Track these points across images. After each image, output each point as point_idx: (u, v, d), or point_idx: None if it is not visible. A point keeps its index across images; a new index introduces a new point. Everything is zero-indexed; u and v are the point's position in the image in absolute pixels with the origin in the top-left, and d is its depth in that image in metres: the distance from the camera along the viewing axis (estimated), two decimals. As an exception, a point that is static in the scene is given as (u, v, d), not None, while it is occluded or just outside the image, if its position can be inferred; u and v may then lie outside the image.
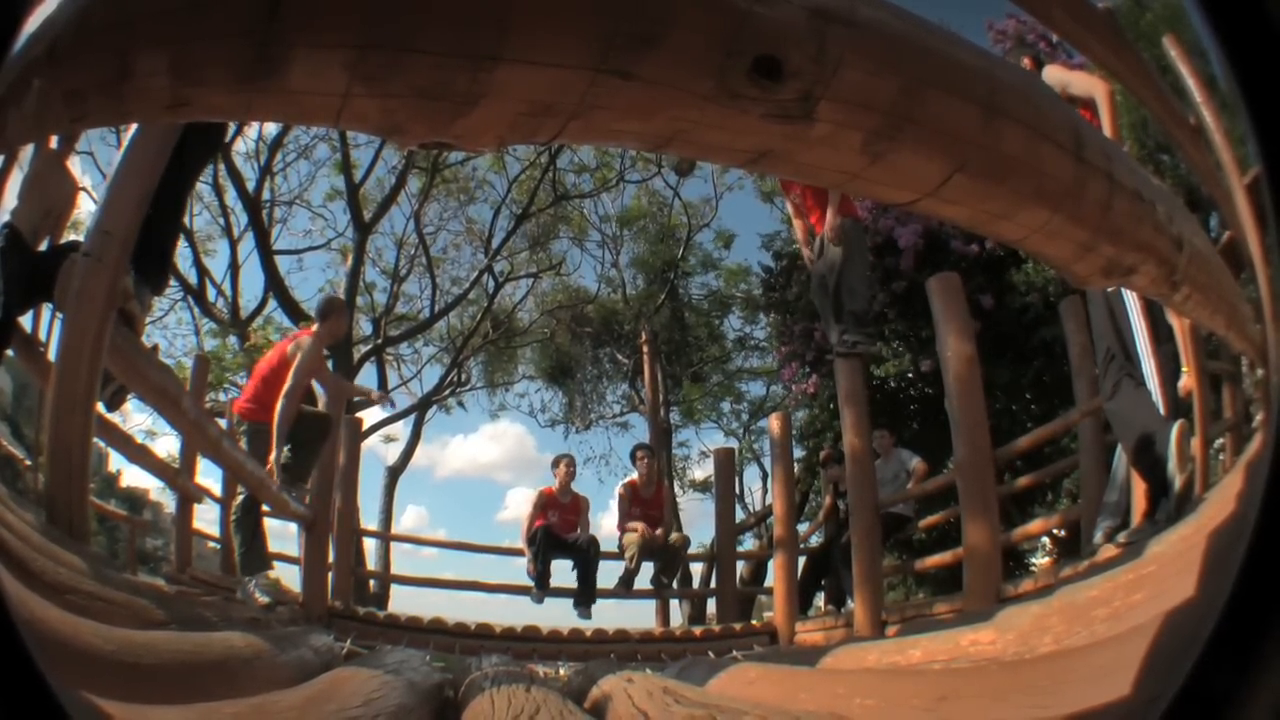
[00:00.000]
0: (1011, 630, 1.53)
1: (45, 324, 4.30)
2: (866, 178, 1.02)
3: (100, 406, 5.70)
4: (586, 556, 8.50)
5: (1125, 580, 1.30)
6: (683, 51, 0.88)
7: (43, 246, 4.36)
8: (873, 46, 0.96)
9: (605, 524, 23.74)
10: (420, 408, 22.04)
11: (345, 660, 3.05)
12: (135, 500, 21.52)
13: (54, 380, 3.14)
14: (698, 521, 26.93)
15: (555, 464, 9.20)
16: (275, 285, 18.67)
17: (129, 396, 5.19)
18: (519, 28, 0.82)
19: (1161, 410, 3.94)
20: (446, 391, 22.78)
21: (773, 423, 8.27)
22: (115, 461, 22.33)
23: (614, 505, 9.23)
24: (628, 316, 22.12)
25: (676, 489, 21.02)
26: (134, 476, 28.63)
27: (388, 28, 0.80)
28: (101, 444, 5.38)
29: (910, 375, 11.07)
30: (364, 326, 21.18)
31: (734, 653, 5.34)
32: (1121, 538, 4.07)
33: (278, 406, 6.25)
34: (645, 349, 21.00)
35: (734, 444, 21.09)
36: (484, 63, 0.82)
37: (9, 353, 3.76)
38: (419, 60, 0.81)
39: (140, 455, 6.43)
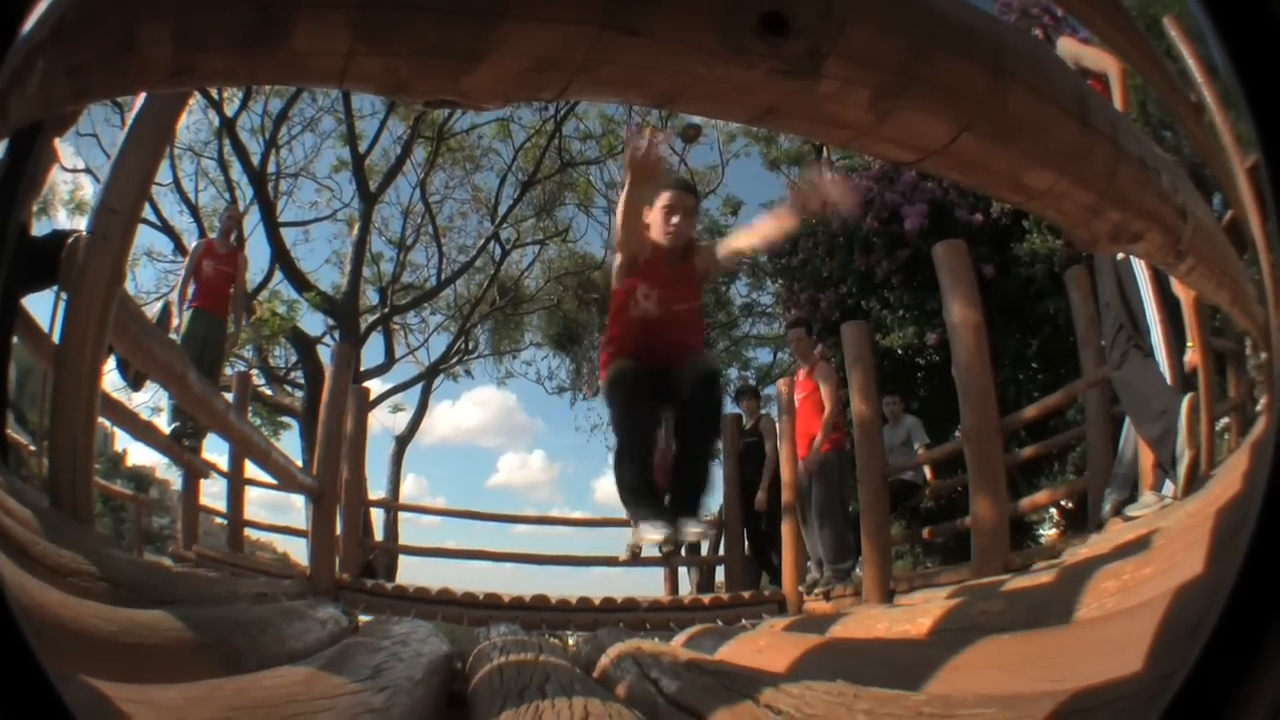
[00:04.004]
0: (1021, 601, 1.52)
1: (48, 307, 4.29)
2: (874, 135, 1.00)
3: (126, 386, 5.68)
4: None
5: (1135, 555, 1.29)
6: (688, 6, 0.86)
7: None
8: (879, 4, 0.94)
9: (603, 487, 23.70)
10: (428, 376, 22.09)
11: (353, 632, 3.05)
12: (141, 479, 21.63)
13: (57, 361, 3.12)
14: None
15: None
16: (281, 257, 18.70)
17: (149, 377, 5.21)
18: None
19: (1168, 382, 3.92)
20: (454, 359, 22.83)
21: (780, 388, 8.23)
22: (121, 441, 22.45)
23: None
24: (634, 281, 22.01)
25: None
26: (140, 455, 28.77)
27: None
28: (107, 423, 5.37)
29: (916, 346, 11.06)
30: (371, 296, 21.25)
31: (742, 621, 5.36)
32: (1129, 511, 4.06)
33: None
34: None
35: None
36: (487, 19, 0.80)
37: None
38: (422, 18, 0.79)
39: (146, 433, 6.42)
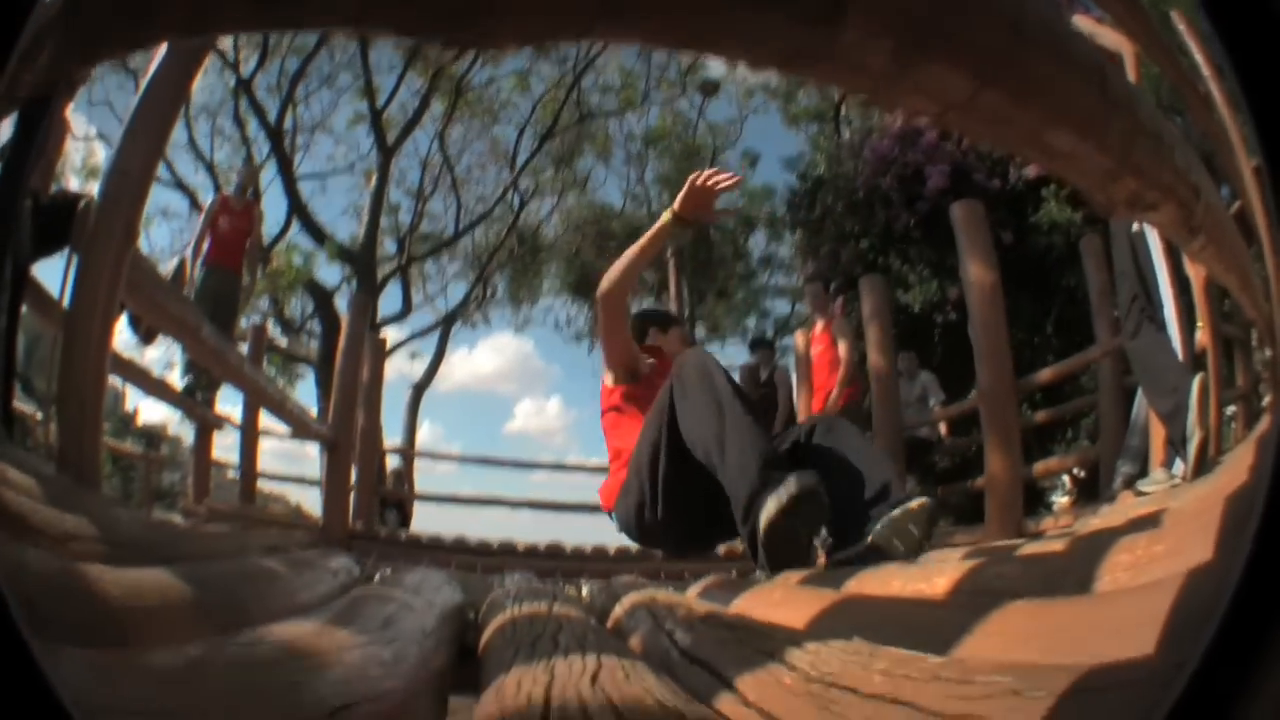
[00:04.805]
0: (1037, 568, 1.52)
1: (57, 271, 4.24)
2: (897, 85, 0.97)
3: (138, 343, 5.67)
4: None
5: (1146, 531, 1.29)
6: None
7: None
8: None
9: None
10: (445, 323, 22.23)
11: (365, 582, 3.06)
12: (152, 436, 21.82)
13: (67, 324, 3.10)
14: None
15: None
16: (298, 210, 18.80)
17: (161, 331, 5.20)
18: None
19: (1180, 358, 3.93)
20: (472, 307, 22.99)
21: (798, 340, 8.22)
22: (132, 400, 22.65)
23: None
24: (652, 230, 22.07)
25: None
26: (151, 413, 28.97)
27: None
28: (119, 383, 5.37)
29: (936, 302, 11.06)
30: (388, 245, 21.38)
31: (757, 573, 5.38)
32: (1140, 486, 4.08)
33: None
34: (671, 264, 21.05)
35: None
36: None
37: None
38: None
39: (158, 389, 6.41)
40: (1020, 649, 0.97)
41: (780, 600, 1.90)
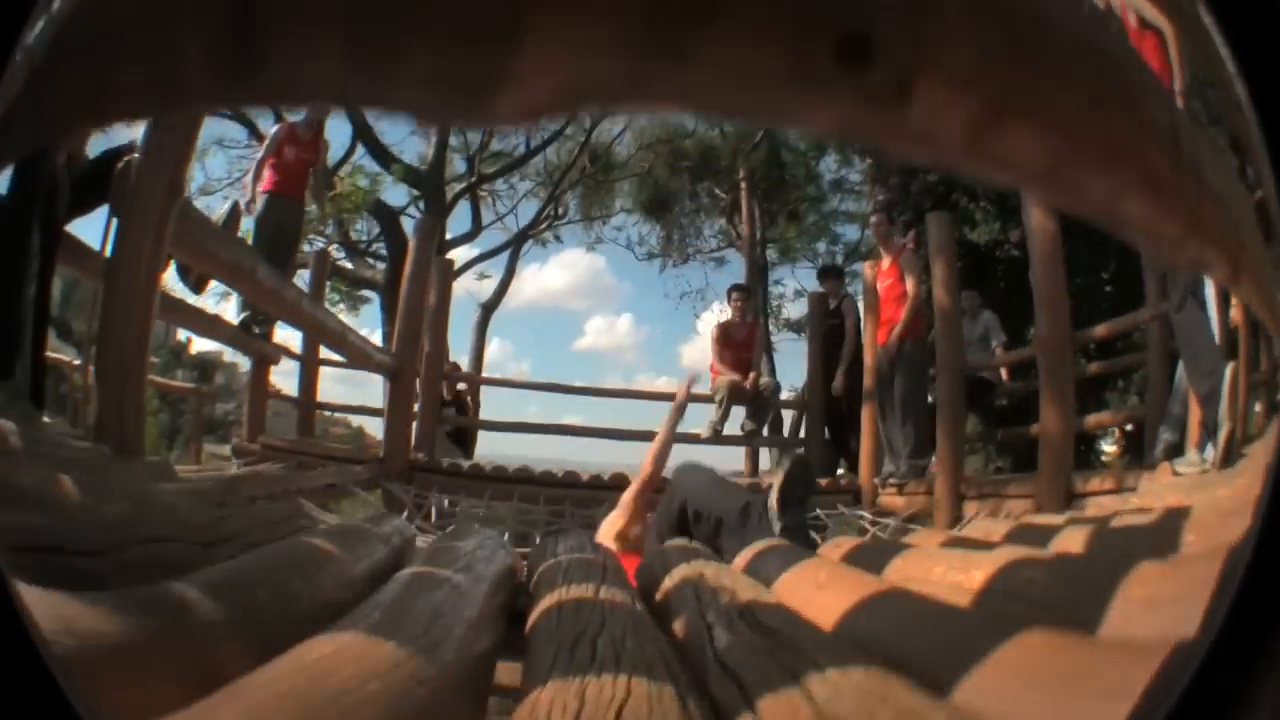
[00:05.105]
0: (1062, 574, 1.55)
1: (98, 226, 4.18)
2: (971, 158, 0.96)
3: (187, 291, 5.72)
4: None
5: (1162, 560, 1.33)
6: (750, 25, 0.80)
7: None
8: (980, 20, 0.89)
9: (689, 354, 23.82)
10: (516, 242, 22.24)
11: (418, 542, 3.10)
12: (206, 365, 21.98)
13: (107, 287, 3.10)
14: (790, 362, 26.74)
15: (729, 295, 9.03)
16: (363, 133, 18.76)
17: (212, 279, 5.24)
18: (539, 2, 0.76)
19: (1216, 339, 3.94)
20: (543, 225, 22.95)
21: (866, 271, 8.09)
22: (185, 329, 22.87)
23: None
24: (725, 152, 21.95)
25: (770, 327, 20.99)
26: (206, 341, 29.24)
27: (381, 10, 0.74)
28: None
29: (999, 240, 11.00)
30: (457, 165, 21.33)
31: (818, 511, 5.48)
32: (1176, 466, 4.09)
33: None
34: (743, 185, 20.86)
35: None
36: (499, 45, 0.75)
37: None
38: (421, 44, 0.75)
39: (211, 327, 6.46)
40: (1025, 690, 1.00)
41: (825, 582, 1.92)
